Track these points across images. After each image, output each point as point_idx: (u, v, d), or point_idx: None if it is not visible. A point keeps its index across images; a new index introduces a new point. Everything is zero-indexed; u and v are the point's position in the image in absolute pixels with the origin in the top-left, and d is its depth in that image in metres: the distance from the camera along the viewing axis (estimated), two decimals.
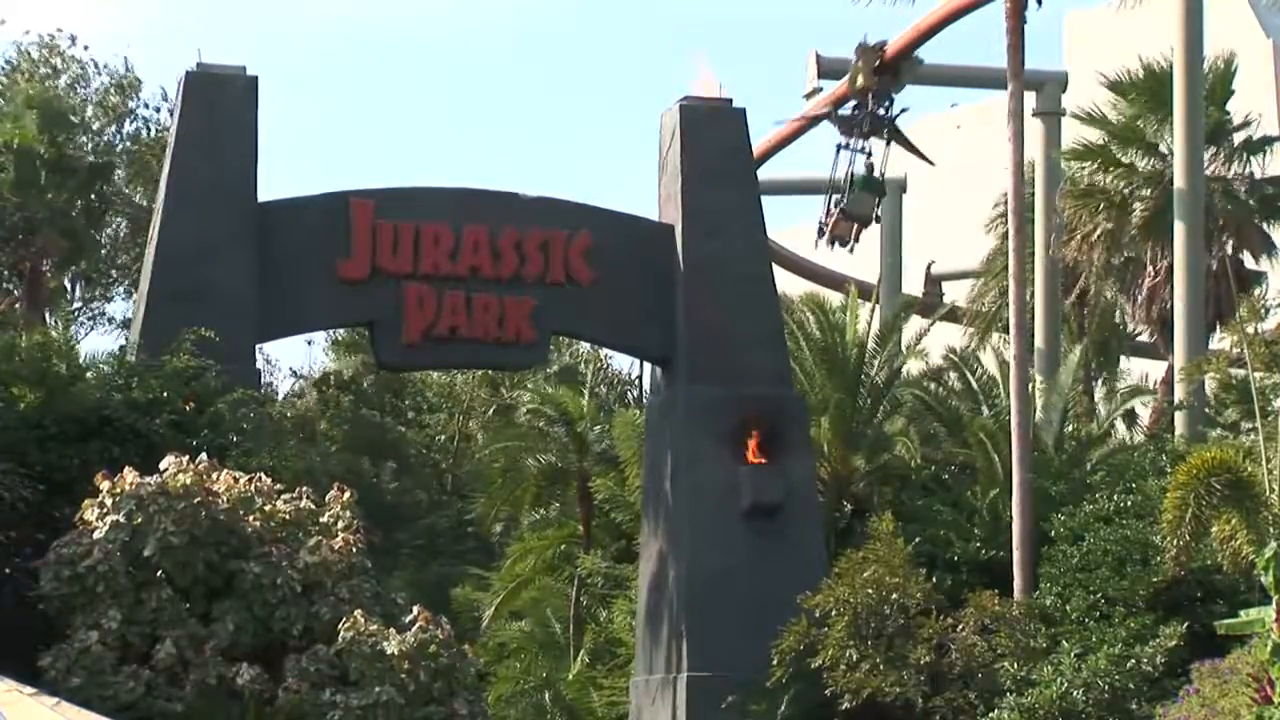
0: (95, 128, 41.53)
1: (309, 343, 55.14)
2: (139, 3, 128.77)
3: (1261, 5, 49.77)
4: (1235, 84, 47.85)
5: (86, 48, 41.17)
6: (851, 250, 42.92)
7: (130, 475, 23.88)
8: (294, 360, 58.88)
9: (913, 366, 42.62)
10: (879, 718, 29.77)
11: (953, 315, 52.19)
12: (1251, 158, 47.66)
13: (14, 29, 44.13)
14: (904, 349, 42.14)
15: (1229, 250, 46.12)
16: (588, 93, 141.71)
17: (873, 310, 42.06)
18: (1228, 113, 47.10)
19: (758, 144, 51.18)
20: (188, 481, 24.04)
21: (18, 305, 35.30)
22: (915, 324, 48.16)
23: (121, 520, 23.47)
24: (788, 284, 46.12)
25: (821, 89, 53.94)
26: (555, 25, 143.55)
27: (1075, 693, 28.09)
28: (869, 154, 41.43)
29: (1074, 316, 48.12)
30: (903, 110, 41.81)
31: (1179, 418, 40.82)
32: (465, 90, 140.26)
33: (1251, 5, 56.81)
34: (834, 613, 30.34)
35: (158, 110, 42.71)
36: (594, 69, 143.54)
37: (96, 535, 23.44)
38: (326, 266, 32.50)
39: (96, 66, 41.70)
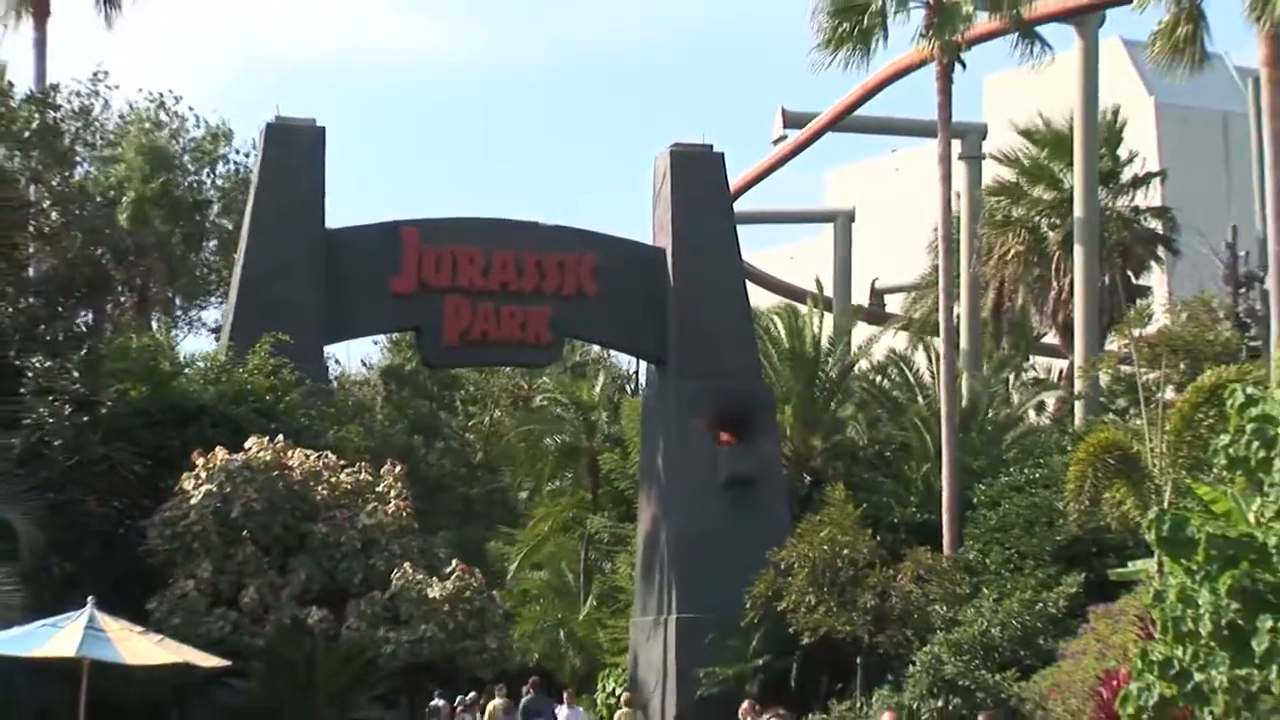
0: (193, 169, 41.45)
1: (374, 343, 55.10)
2: (229, 64, 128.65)
3: (1145, 68, 49.62)
4: (1124, 133, 47.96)
5: (179, 99, 41.17)
6: None
7: (221, 453, 23.94)
8: (362, 354, 58.32)
9: (861, 364, 42.59)
10: (833, 651, 29.74)
11: (882, 319, 52.30)
12: (1136, 192, 47.82)
13: (129, 89, 44.23)
14: (853, 350, 42.14)
15: (1119, 268, 46.17)
16: (594, 140, 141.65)
17: (825, 318, 42.03)
18: (1118, 156, 47.18)
19: (747, 173, 51.44)
20: (267, 458, 24.12)
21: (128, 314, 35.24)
22: (863, 329, 48.25)
23: (213, 489, 23.55)
24: (758, 297, 46.02)
25: (786, 136, 54.02)
26: (570, 87, 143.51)
27: (994, 630, 28.08)
28: None
29: (992, 323, 48.08)
30: None
31: (1078, 406, 40.88)
32: (495, 138, 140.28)
33: (1137, 68, 56.72)
34: (796, 565, 30.31)
35: (246, 155, 42.62)
36: (600, 122, 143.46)
37: (193, 501, 23.52)
38: (381, 282, 32.47)
39: (196, 119, 41.64)
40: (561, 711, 31.58)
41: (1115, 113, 47.11)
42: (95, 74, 36.80)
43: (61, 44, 36.29)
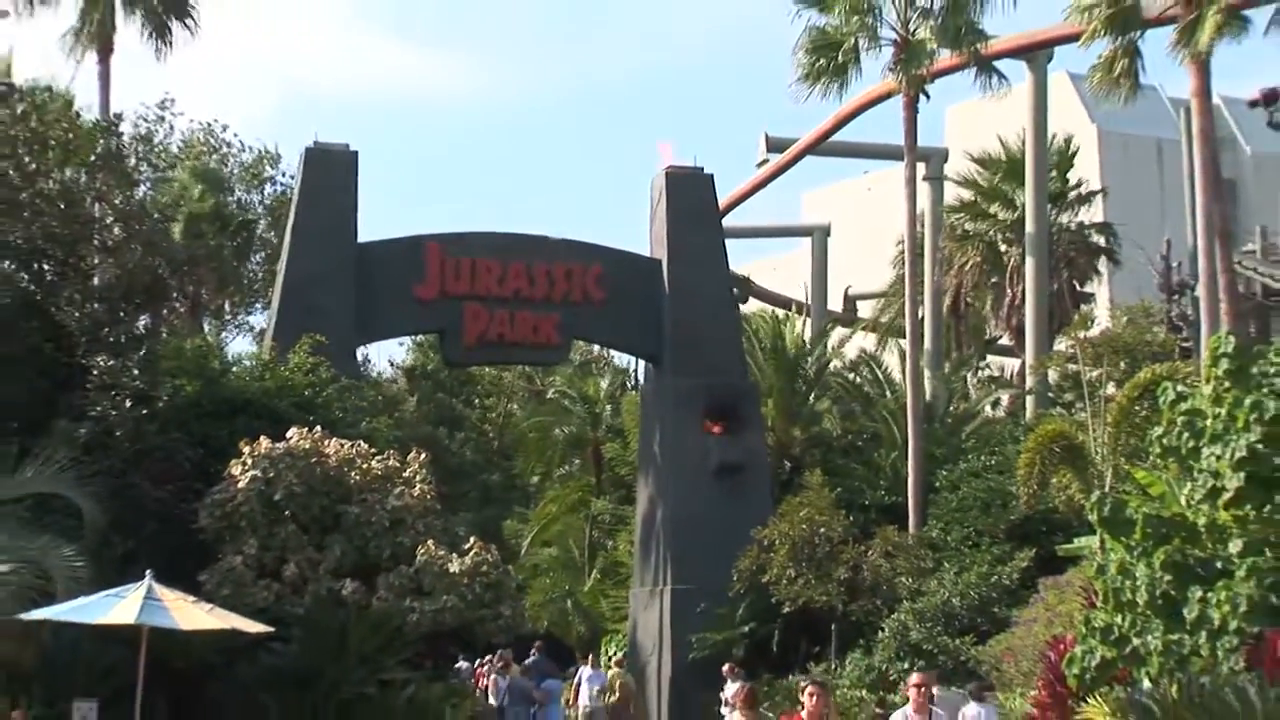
0: (243, 190, 41.51)
1: (400, 344, 55.03)
2: (270, 95, 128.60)
3: (1089, 98, 49.65)
4: (1071, 157, 47.97)
5: (225, 128, 41.33)
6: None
7: (264, 442, 23.93)
8: (390, 355, 58.29)
9: (836, 363, 42.61)
10: (811, 619, 29.75)
11: (854, 323, 52.32)
12: (1081, 209, 47.85)
13: (185, 119, 44.25)
14: (829, 350, 42.18)
15: (1066, 278, 46.17)
16: (598, 161, 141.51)
17: (803, 322, 42.08)
18: (1065, 178, 47.18)
19: (734, 192, 51.43)
20: (306, 446, 24.10)
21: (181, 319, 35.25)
22: (838, 332, 48.27)
23: (258, 474, 23.52)
24: (745, 303, 46.05)
25: (769, 159, 54.01)
26: (575, 114, 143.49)
27: (954, 600, 28.12)
28: None
29: (953, 326, 48.08)
30: None
31: (1029, 400, 40.89)
32: (508, 160, 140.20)
33: (1081, 99, 56.74)
34: (778, 542, 30.34)
35: (290, 177, 42.68)
36: (603, 145, 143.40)
37: (240, 485, 23.51)
38: (407, 289, 32.46)
39: (243, 145, 41.73)
40: (584, 671, 31.64)
41: (1066, 141, 47.17)
42: (162, 101, 36.97)
43: (117, 75, 36.14)
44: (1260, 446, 20.58)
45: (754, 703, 15.00)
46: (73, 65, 37.14)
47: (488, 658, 31.74)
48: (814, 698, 13.24)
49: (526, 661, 31.31)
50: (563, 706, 29.61)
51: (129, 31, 37.71)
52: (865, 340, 49.64)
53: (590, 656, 32.67)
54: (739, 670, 28.09)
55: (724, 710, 26.81)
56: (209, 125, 41.11)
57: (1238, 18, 29.57)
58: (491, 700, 29.32)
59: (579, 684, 31.90)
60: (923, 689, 15.51)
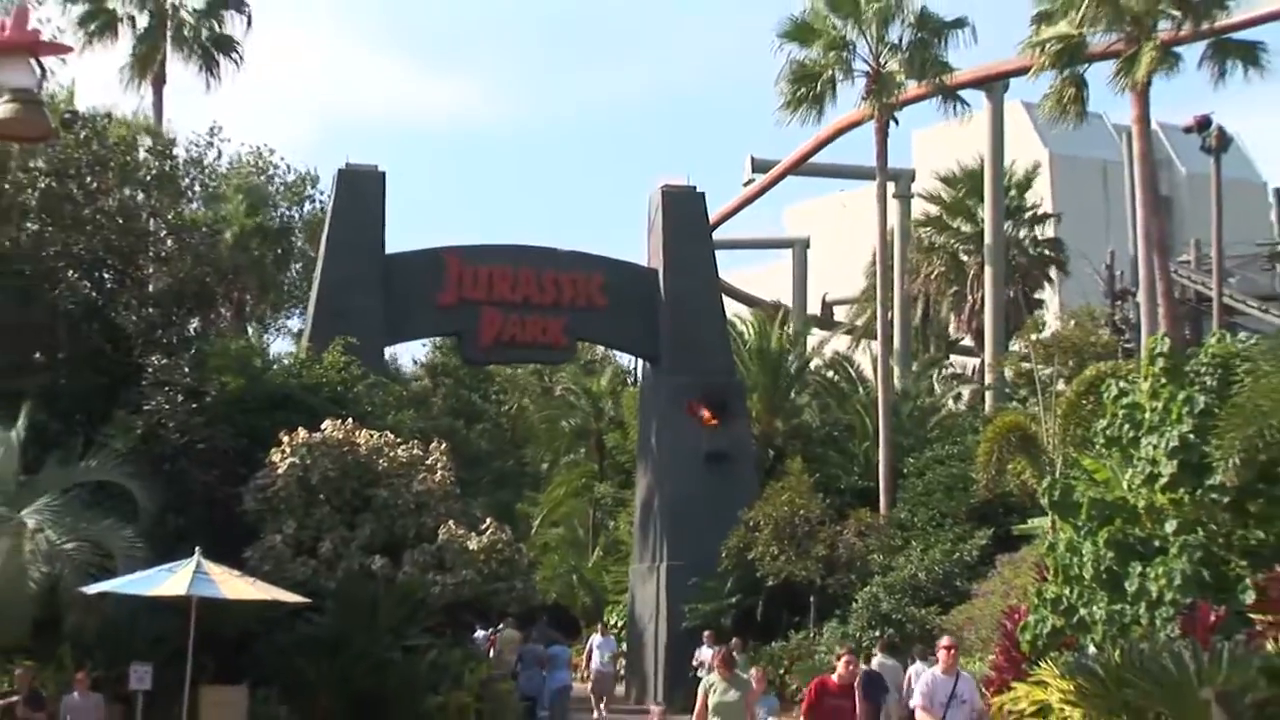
0: (285, 206, 41.41)
1: (424, 345, 54.96)
2: (308, 120, 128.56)
3: (1041, 124, 49.66)
4: (1023, 177, 48.00)
5: (272, 150, 41.21)
6: None
7: (302, 432, 23.92)
8: (414, 354, 58.14)
9: (814, 362, 42.60)
10: (792, 592, 29.76)
11: (831, 326, 52.31)
12: (1034, 225, 47.89)
13: (236, 143, 44.43)
14: (808, 350, 42.16)
15: (1020, 286, 46.22)
16: (601, 179, 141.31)
17: (784, 325, 42.02)
18: (1021, 197, 47.22)
19: (723, 208, 51.39)
20: (339, 436, 24.08)
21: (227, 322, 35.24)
22: (816, 334, 48.29)
23: (296, 461, 23.51)
24: (732, 308, 46.05)
25: (754, 179, 54.02)
26: (580, 136, 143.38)
27: (920, 575, 28.12)
28: None
29: (919, 329, 48.13)
30: None
31: (988, 395, 40.88)
32: (520, 178, 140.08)
33: (1035, 125, 56.71)
34: (762, 523, 30.34)
35: (325, 194, 42.64)
36: (606, 165, 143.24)
37: (280, 471, 23.49)
38: (429, 296, 32.40)
39: (288, 168, 41.65)
40: (595, 639, 31.55)
41: (1034, 167, 47.33)
42: (211, 128, 36.85)
43: (171, 104, 36.28)
44: (1191, 436, 20.61)
45: (731, 663, 15.01)
46: (132, 95, 37.21)
47: (499, 626, 31.77)
48: (848, 664, 13.18)
49: (532, 628, 31.29)
50: (569, 669, 29.61)
51: (180, 66, 37.83)
52: (840, 342, 49.64)
53: (601, 625, 32.67)
54: (715, 637, 28.21)
55: (700, 672, 26.92)
56: (258, 149, 41.05)
57: (1172, 54, 29.65)
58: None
59: (590, 650, 31.92)
60: (952, 650, 14.87)
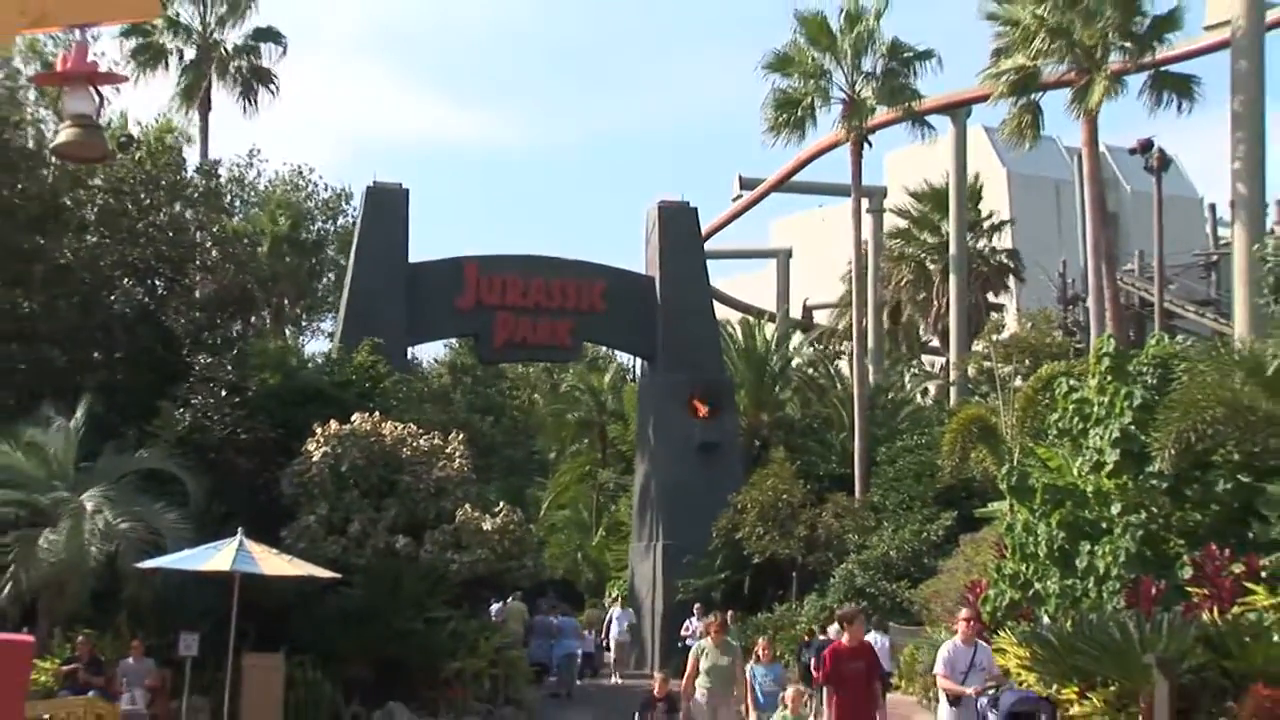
0: (321, 220, 41.38)
1: (444, 345, 54.87)
2: (339, 143, 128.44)
3: (1001, 147, 49.73)
4: (984, 194, 48.05)
5: (311, 169, 41.32)
6: None
7: (333, 424, 23.87)
8: (434, 353, 58.07)
9: (796, 360, 42.61)
10: (775, 568, 29.80)
11: (812, 328, 52.32)
12: (993, 236, 47.92)
13: (276, 163, 44.53)
14: (791, 350, 42.16)
15: (981, 291, 46.26)
16: (604, 195, 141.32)
17: (762, 326, 42.07)
18: (980, 211, 47.25)
19: (714, 221, 51.34)
20: (367, 428, 24.03)
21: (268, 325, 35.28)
22: (798, 335, 48.24)
23: (328, 450, 23.48)
24: (722, 312, 46.11)
25: (742, 195, 54.04)
26: (586, 158, 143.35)
27: (891, 552, 28.13)
28: None
29: (891, 330, 48.14)
30: None
31: (952, 390, 40.89)
32: (531, 195, 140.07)
33: (994, 147, 56.74)
34: (748, 506, 30.37)
35: (357, 210, 42.68)
36: (608, 183, 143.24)
37: (314, 459, 23.43)
38: (449, 301, 32.42)
39: (326, 186, 41.60)
40: (615, 611, 31.40)
41: (975, 177, 47.22)
42: (251, 150, 36.97)
43: (216, 128, 36.41)
44: (1133, 428, 20.65)
45: (725, 630, 14.81)
46: (180, 120, 37.18)
47: (507, 599, 31.75)
48: (858, 626, 12.61)
49: (542, 602, 31.28)
50: (575, 639, 29.59)
51: (223, 93, 37.82)
52: (821, 343, 49.60)
53: (620, 599, 32.54)
54: (704, 609, 28.19)
55: (689, 640, 26.92)
56: (298, 168, 41.10)
57: (1119, 82, 29.69)
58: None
59: (609, 621, 31.70)
60: (971, 622, 13.71)
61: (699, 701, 13.26)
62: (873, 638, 23.31)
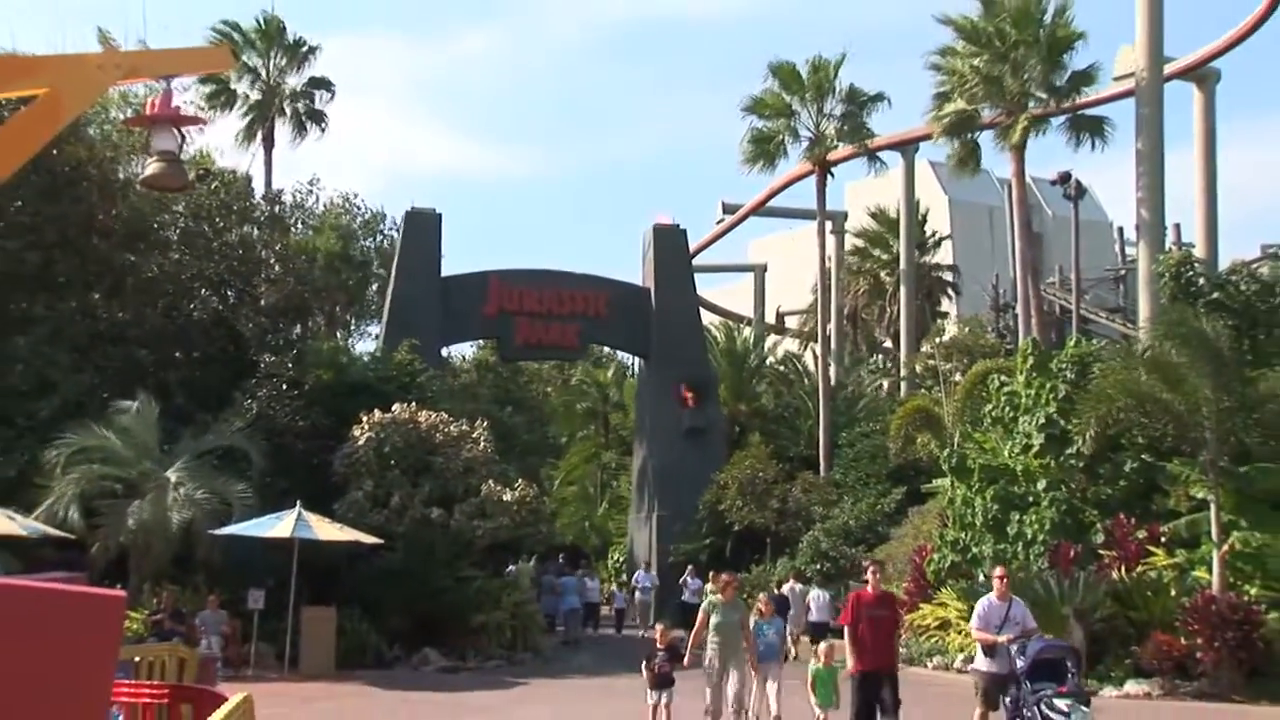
0: (364, 240, 41.20)
1: (473, 346, 54.64)
2: (379, 173, 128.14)
3: (944, 177, 49.74)
4: (929, 217, 48.02)
5: (358, 195, 41.25)
6: None
7: (377, 413, 23.85)
8: (466, 352, 57.82)
9: (770, 359, 42.57)
10: (753, 535, 29.70)
11: (784, 331, 52.32)
12: (936, 254, 47.91)
13: (329, 191, 44.26)
14: (766, 350, 42.14)
15: (926, 300, 46.30)
16: (607, 217, 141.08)
17: (742, 329, 42.00)
18: (926, 232, 47.25)
19: (700, 240, 51.21)
20: (406, 416, 23.99)
21: (323, 326, 35.17)
22: (772, 338, 48.21)
23: (372, 435, 23.45)
24: (707, 318, 46.07)
25: (724, 218, 54.01)
26: (590, 184, 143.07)
27: (851, 522, 28.05)
28: None
29: (851, 333, 48.14)
30: None
31: (902, 385, 40.88)
32: (544, 217, 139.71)
33: (938, 178, 56.70)
34: (729, 482, 30.31)
35: (396, 230, 42.54)
36: (609, 206, 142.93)
37: (360, 443, 23.40)
38: (476, 309, 32.33)
39: (372, 212, 41.46)
40: (639, 574, 31.11)
41: (937, 207, 47.25)
42: (311, 179, 36.79)
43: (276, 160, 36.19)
44: (1055, 416, 20.67)
45: (737, 588, 14.17)
46: (246, 154, 37.20)
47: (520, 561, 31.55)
48: (875, 574, 12.02)
49: (549, 564, 31.12)
50: (575, 595, 29.23)
51: (282, 130, 37.86)
52: (791, 344, 49.61)
53: (646, 563, 32.13)
54: (697, 570, 28.10)
55: (685, 596, 26.86)
56: (347, 195, 41.07)
57: (1042, 122, 29.76)
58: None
59: (635, 584, 31.13)
60: (1004, 579, 12.24)
61: (710, 654, 12.79)
62: (813, 593, 23.41)
